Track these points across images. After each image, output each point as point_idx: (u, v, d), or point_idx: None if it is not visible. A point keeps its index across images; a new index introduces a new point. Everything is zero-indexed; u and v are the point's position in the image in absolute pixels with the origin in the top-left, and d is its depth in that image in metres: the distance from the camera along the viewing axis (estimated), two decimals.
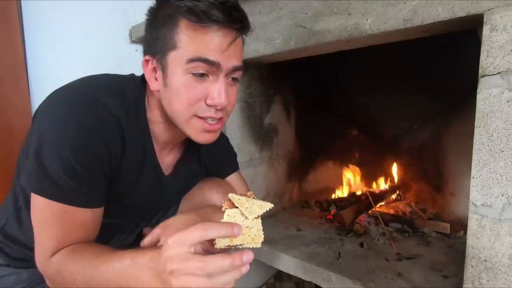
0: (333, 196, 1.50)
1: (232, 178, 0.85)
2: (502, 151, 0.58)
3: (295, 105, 1.45)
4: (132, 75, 0.66)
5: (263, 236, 0.46)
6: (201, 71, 0.54)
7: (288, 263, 0.99)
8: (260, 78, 1.25)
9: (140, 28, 1.25)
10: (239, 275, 0.42)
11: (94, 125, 0.53)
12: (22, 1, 1.07)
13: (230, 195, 0.50)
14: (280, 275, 1.37)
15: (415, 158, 1.33)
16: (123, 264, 0.48)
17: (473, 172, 0.62)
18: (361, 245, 1.04)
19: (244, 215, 0.47)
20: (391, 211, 1.27)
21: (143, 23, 0.59)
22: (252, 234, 0.46)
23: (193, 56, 0.53)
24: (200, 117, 0.57)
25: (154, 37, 0.56)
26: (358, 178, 1.52)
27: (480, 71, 0.59)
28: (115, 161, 0.57)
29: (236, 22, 0.54)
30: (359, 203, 1.26)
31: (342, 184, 1.54)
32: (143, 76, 0.63)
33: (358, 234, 1.11)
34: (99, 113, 0.54)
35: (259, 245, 0.45)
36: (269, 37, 0.94)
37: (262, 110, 1.28)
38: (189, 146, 0.73)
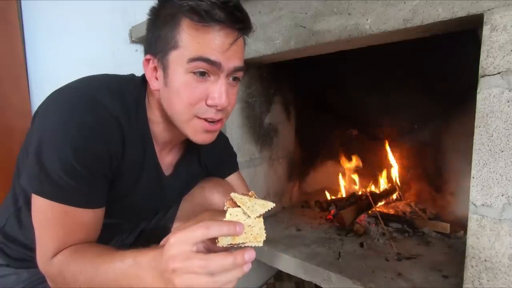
0: (332, 196, 1.50)
1: (232, 179, 0.85)
2: (502, 151, 0.58)
3: (295, 105, 1.45)
4: (132, 75, 0.66)
5: (265, 234, 0.46)
6: (202, 70, 0.54)
7: (288, 263, 0.99)
8: (260, 78, 1.25)
9: (140, 28, 1.25)
10: (241, 274, 0.42)
11: (94, 125, 0.53)
12: (22, 1, 1.07)
13: (232, 194, 0.50)
14: (280, 275, 1.37)
15: (415, 158, 1.33)
16: (125, 264, 0.48)
17: (473, 172, 0.62)
18: (361, 245, 1.04)
19: (247, 214, 0.47)
20: (391, 211, 1.27)
21: (143, 23, 0.60)
22: (254, 233, 0.46)
23: (194, 56, 0.53)
24: (200, 118, 0.57)
25: (156, 36, 0.56)
26: (358, 178, 1.52)
27: (480, 71, 0.59)
28: (115, 161, 0.57)
29: (238, 22, 0.54)
30: (359, 203, 1.26)
31: (342, 184, 1.54)
32: (143, 76, 0.63)
33: (358, 234, 1.11)
34: (99, 113, 0.54)
35: (261, 244, 0.45)
36: (269, 37, 0.94)
37: (262, 110, 1.28)
38: (188, 146, 0.73)
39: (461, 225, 1.09)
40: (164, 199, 0.75)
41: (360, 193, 1.43)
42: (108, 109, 0.55)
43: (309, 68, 1.37)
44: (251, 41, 0.97)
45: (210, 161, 0.79)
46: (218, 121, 0.59)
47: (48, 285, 0.57)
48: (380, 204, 1.32)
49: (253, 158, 1.25)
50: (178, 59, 0.54)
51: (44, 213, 0.53)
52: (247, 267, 0.42)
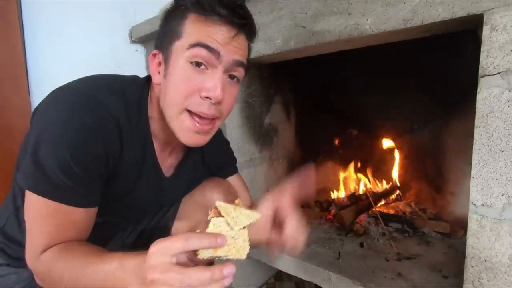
0: (333, 196, 1.50)
1: (232, 179, 0.85)
2: (502, 151, 0.58)
3: (295, 105, 1.45)
4: (135, 76, 0.66)
5: (248, 247, 0.44)
6: (199, 60, 0.54)
7: (288, 263, 0.99)
8: (260, 78, 1.25)
9: (140, 28, 1.25)
10: None
11: (94, 125, 0.53)
12: (22, 1, 1.07)
13: (217, 203, 0.48)
14: (280, 275, 1.37)
15: (415, 158, 1.33)
16: (112, 266, 0.47)
17: (473, 172, 0.62)
18: (361, 245, 1.04)
19: (230, 225, 0.46)
20: (391, 211, 1.27)
21: (143, 23, 0.60)
22: (237, 245, 0.44)
23: (194, 41, 0.54)
24: (191, 113, 0.56)
25: (164, 31, 0.58)
26: (358, 178, 1.52)
27: (480, 71, 0.59)
28: (112, 161, 0.57)
29: (240, 18, 0.55)
30: (359, 203, 1.26)
31: (342, 184, 1.54)
32: (147, 77, 0.64)
33: (358, 234, 1.11)
34: (99, 113, 0.54)
35: (244, 257, 0.44)
36: (269, 37, 0.94)
37: (262, 110, 1.28)
38: (190, 148, 0.72)
39: (461, 225, 1.09)
40: (164, 200, 0.75)
41: (360, 193, 1.44)
42: (109, 109, 0.55)
43: (309, 68, 1.37)
44: None
45: (212, 162, 0.80)
46: (210, 120, 0.58)
47: None
48: (380, 204, 1.32)
49: (253, 158, 1.25)
50: (179, 48, 0.55)
51: (38, 210, 0.53)
52: (227, 281, 0.41)
